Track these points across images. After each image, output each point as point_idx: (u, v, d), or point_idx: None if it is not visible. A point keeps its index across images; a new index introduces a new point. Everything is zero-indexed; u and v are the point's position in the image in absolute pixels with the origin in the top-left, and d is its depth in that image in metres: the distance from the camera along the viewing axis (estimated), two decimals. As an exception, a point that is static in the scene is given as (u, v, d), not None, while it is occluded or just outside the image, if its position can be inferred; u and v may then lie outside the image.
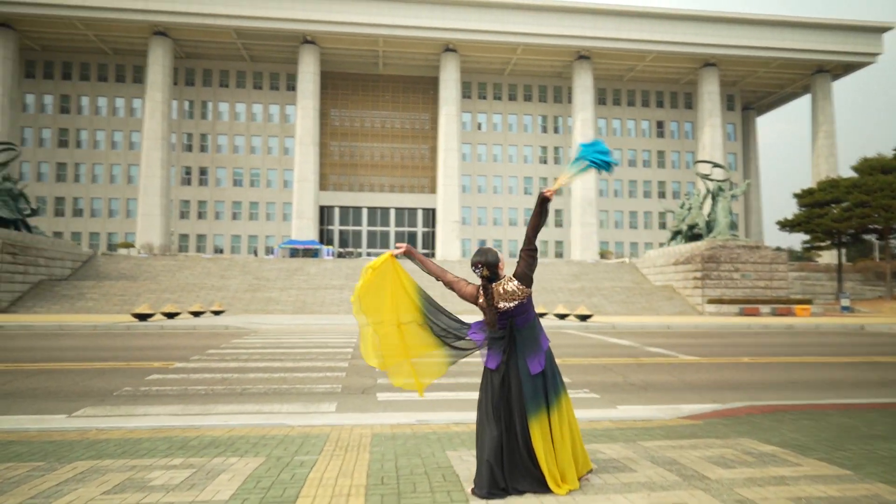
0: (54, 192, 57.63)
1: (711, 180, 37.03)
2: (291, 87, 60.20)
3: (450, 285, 3.56)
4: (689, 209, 38.42)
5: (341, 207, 60.67)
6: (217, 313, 26.42)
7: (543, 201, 3.32)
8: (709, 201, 38.26)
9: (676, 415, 6.09)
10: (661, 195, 63.23)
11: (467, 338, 3.56)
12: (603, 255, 52.71)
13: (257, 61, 60.15)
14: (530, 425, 3.31)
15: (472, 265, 3.51)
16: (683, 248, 36.95)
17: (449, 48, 55.00)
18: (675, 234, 39.69)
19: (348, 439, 4.89)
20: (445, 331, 3.59)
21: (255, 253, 58.44)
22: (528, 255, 3.40)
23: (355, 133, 62.30)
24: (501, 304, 3.43)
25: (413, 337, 3.54)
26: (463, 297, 3.56)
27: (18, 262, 31.67)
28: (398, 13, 51.94)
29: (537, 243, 3.46)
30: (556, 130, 63.36)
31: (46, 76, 58.48)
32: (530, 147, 63.03)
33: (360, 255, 58.11)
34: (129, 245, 50.89)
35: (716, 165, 38.71)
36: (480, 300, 3.49)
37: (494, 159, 62.71)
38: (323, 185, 59.88)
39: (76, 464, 4.08)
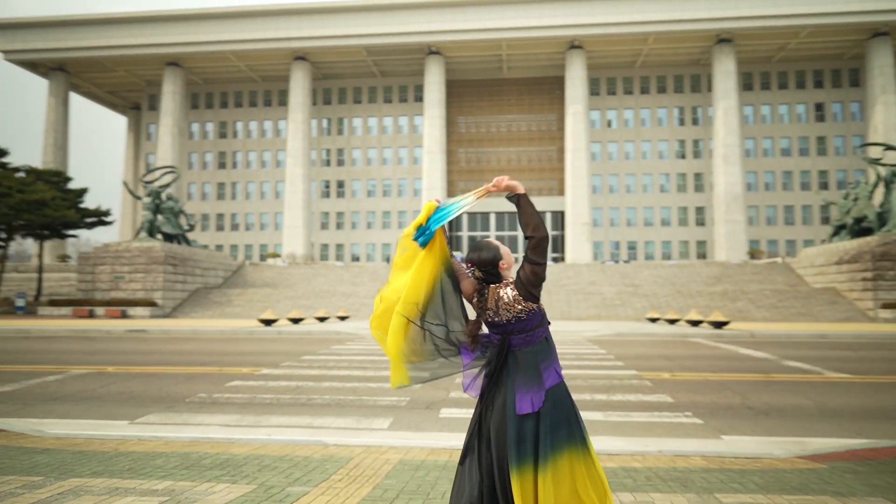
0: (216, 209, 63.92)
1: (884, 165, 31.86)
2: (419, 99, 61.67)
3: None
4: (856, 200, 33.34)
5: (469, 213, 60.88)
6: (342, 319, 27.34)
7: (519, 198, 2.55)
8: (881, 190, 32.95)
9: (796, 452, 4.75)
10: (823, 186, 55.98)
11: (451, 358, 2.70)
12: (753, 254, 47.65)
13: (387, 76, 62.40)
14: (511, 479, 2.45)
15: (465, 263, 2.72)
16: (849, 245, 32.11)
17: (574, 45, 53.14)
18: (839, 229, 34.68)
19: (369, 465, 4.28)
20: (436, 341, 2.65)
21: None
22: (528, 264, 2.51)
23: (481, 139, 62.35)
24: (488, 316, 2.61)
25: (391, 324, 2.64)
26: (462, 291, 2.71)
27: (178, 272, 35.24)
28: (521, 15, 51.15)
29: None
30: (695, 122, 58.68)
31: (207, 106, 65.19)
32: (666, 142, 58.94)
33: (488, 260, 57.75)
34: (276, 255, 54.94)
35: (889, 147, 33.30)
36: (474, 301, 2.69)
37: (626, 157, 59.47)
38: (451, 191, 60.52)
39: (68, 482, 3.87)
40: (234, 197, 64.03)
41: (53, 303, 33.71)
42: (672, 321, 23.29)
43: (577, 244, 50.38)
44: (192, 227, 39.77)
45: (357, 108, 63.49)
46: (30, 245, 48.04)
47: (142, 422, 6.25)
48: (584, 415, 6.13)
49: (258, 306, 33.87)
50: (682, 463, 4.40)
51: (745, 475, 4.04)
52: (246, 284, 39.14)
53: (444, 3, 51.99)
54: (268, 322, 21.01)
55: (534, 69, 59.64)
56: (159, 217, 36.53)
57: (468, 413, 6.56)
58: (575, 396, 7.32)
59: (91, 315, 32.39)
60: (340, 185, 63.30)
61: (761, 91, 57.81)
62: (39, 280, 39.78)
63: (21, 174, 38.47)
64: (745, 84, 57.39)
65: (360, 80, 63.10)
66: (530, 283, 2.50)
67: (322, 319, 24.83)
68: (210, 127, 65.23)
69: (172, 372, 9.90)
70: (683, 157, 58.47)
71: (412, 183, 61.78)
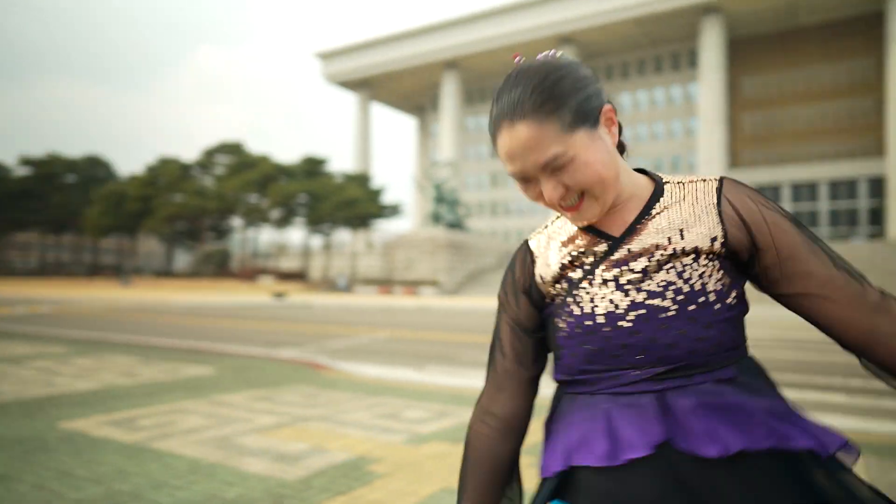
0: (491, 196, 68.81)
1: None
2: (693, 64, 57.18)
3: None
4: None
5: (757, 186, 54.48)
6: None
7: None
8: None
9: None
10: None
11: None
12: None
13: (656, 45, 59.22)
14: None
15: None
16: None
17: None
18: None
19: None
20: None
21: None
22: None
23: (772, 100, 55.03)
24: None
25: None
26: None
27: (457, 256, 39.29)
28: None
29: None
30: None
31: (481, 100, 70.23)
32: None
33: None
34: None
35: None
36: None
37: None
38: (735, 162, 54.93)
39: (378, 398, 5.22)
40: (507, 184, 68.03)
41: (364, 282, 40.73)
42: None
43: (905, 215, 41.35)
44: (466, 215, 43.78)
45: (625, 84, 61.67)
46: (339, 234, 58.61)
47: (423, 370, 7.62)
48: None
49: (527, 286, 35.83)
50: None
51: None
52: (517, 266, 41.66)
53: (720, -46, 47.17)
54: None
55: (840, 8, 50.27)
56: (441, 207, 41.12)
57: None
58: None
59: (391, 292, 38.26)
60: (609, 165, 62.44)
61: None
62: (354, 264, 48.30)
63: (337, 179, 47.10)
64: None
65: (627, 54, 61.07)
66: None
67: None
68: (484, 120, 70.22)
69: (446, 339, 11.61)
70: None
71: (686, 156, 57.75)
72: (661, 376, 0.83)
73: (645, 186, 0.91)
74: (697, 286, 0.84)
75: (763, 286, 0.88)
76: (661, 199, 0.89)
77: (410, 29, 63.55)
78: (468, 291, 36.97)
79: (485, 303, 27.05)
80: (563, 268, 0.91)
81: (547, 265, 0.93)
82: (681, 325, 0.83)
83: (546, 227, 0.98)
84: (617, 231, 0.89)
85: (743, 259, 0.87)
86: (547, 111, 0.81)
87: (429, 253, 38.52)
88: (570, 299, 0.88)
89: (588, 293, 0.87)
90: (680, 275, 0.84)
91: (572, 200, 0.85)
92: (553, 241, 0.95)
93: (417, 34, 63.02)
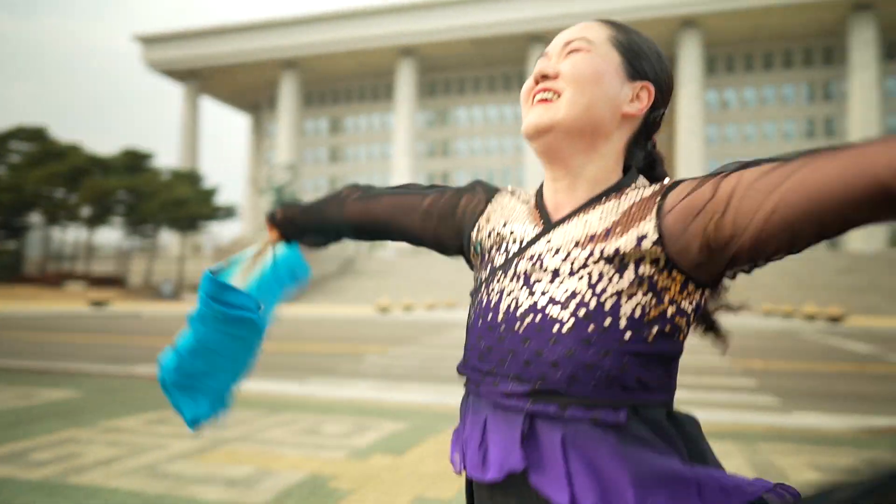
0: (330, 201, 67.81)
1: None
2: (522, 86, 61.77)
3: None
4: None
5: (574, 202, 60.33)
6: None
7: None
8: None
9: (858, 425, 5.02)
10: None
11: None
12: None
13: (490, 65, 62.96)
14: None
15: None
16: None
17: (687, 23, 50.84)
18: None
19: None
20: None
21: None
22: None
23: (587, 125, 61.36)
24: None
25: None
26: None
27: (298, 261, 38.25)
28: (617, -2, 49.75)
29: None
30: (827, 97, 54.15)
31: (321, 103, 69.09)
32: (793, 121, 54.93)
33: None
34: (382, 244, 57.58)
35: None
36: None
37: (746, 140, 56.12)
38: (555, 180, 60.16)
39: (282, 416, 5.03)
40: (347, 189, 67.50)
41: (193, 289, 37.87)
42: (787, 315, 22.32)
43: (689, 232, 48.48)
44: (310, 219, 42.85)
45: (461, 99, 64.64)
46: (162, 237, 53.89)
47: (307, 383, 7.40)
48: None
49: (369, 294, 35.99)
50: (744, 429, 4.85)
51: (792, 434, 4.44)
52: (358, 273, 41.65)
53: (547, -10, 51.67)
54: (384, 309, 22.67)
55: (642, 51, 57.74)
56: (282, 210, 39.73)
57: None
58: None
59: (226, 299, 36.06)
60: (445, 175, 64.88)
61: (905, 61, 52.26)
62: (181, 269, 44.72)
63: (165, 175, 43.34)
64: (889, 53, 52.02)
65: (464, 72, 64.11)
66: None
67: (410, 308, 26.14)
68: (323, 123, 69.18)
69: (317, 350, 11.36)
70: (812, 135, 54.25)
71: (516, 171, 62.10)
72: (535, 397, 0.73)
73: (615, 181, 0.84)
74: (607, 305, 0.73)
75: (747, 249, 0.69)
76: (612, 194, 0.81)
77: (248, 22, 60.65)
78: (311, 299, 36.17)
79: (332, 310, 26.81)
80: (489, 242, 0.87)
81: (492, 215, 0.90)
82: (571, 345, 0.73)
83: (519, 190, 0.95)
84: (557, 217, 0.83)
85: (693, 256, 0.72)
86: (612, 28, 0.86)
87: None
88: (483, 287, 0.84)
89: (500, 284, 0.81)
90: (592, 285, 0.74)
91: (550, 94, 0.81)
92: (514, 198, 0.91)
93: (255, 28, 60.30)
